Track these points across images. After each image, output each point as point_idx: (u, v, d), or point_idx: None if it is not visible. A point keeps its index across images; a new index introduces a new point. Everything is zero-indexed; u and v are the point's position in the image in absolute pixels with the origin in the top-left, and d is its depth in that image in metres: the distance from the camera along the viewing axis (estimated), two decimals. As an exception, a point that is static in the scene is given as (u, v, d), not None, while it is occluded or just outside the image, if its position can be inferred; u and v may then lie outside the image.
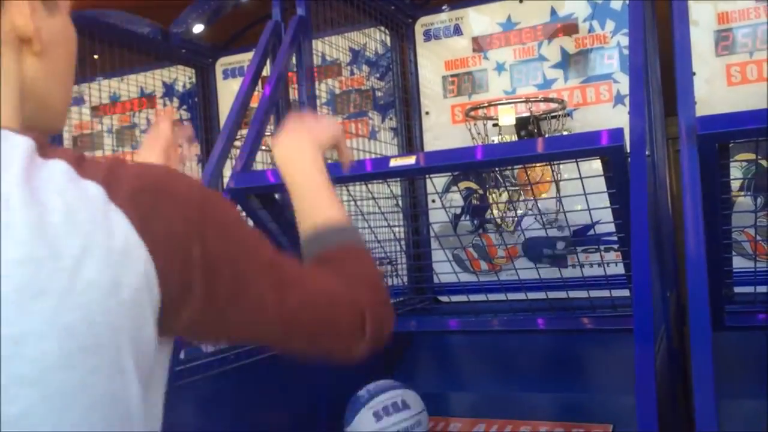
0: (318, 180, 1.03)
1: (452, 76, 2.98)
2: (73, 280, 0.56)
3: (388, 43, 3.07)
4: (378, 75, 3.13)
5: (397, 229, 2.70)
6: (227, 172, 2.14)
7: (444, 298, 2.86)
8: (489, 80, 2.91)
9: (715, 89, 2.50)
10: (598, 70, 2.73)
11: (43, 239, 0.56)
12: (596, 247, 2.47)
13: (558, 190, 2.25)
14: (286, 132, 1.11)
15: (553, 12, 2.80)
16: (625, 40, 2.63)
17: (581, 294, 2.28)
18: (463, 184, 2.90)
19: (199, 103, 3.48)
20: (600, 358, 2.34)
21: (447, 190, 2.89)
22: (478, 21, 2.94)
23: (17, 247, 0.55)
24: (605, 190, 1.82)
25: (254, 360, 2.01)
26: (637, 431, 1.30)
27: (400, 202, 2.84)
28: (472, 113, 2.70)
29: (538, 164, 2.46)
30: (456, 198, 2.88)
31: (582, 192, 1.83)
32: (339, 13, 2.64)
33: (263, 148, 2.50)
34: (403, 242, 2.83)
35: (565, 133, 2.61)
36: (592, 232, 2.39)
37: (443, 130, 2.99)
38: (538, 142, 1.83)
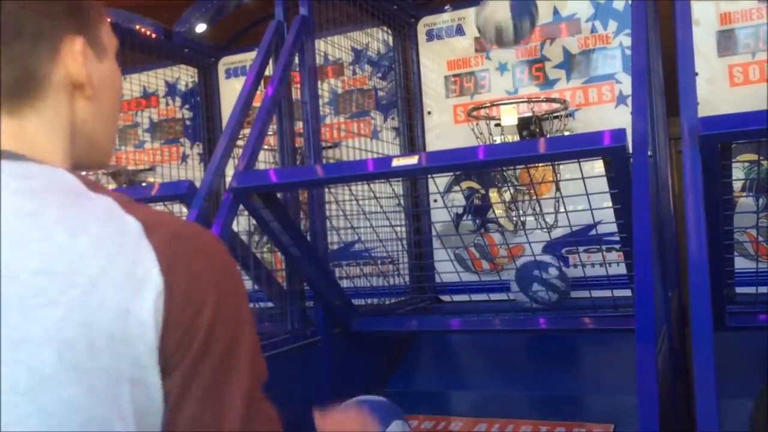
0: None
1: (454, 75, 2.99)
2: (85, 297, 0.57)
3: (391, 43, 3.07)
4: (380, 75, 3.13)
5: (399, 228, 2.71)
6: (230, 172, 2.15)
7: (446, 298, 2.86)
8: (491, 80, 2.92)
9: (717, 90, 2.51)
10: (600, 71, 2.74)
11: (65, 256, 0.58)
12: (598, 247, 2.47)
13: (558, 189, 2.25)
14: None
15: (556, 12, 2.80)
16: (627, 41, 2.63)
17: (583, 294, 2.28)
18: (465, 184, 2.91)
19: (201, 102, 3.49)
20: (601, 358, 2.34)
21: (449, 189, 2.89)
22: (480, 21, 2.94)
23: (37, 257, 0.58)
24: (607, 190, 1.82)
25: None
26: (639, 431, 1.30)
27: (402, 202, 2.85)
28: (474, 113, 2.70)
29: (540, 164, 2.47)
30: (458, 198, 2.89)
31: (584, 192, 1.83)
32: (341, 13, 2.65)
33: (265, 147, 2.51)
34: (405, 242, 2.84)
35: (567, 133, 2.61)
36: (594, 232, 2.39)
37: (445, 129, 3.00)
38: (540, 143, 1.84)
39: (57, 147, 0.70)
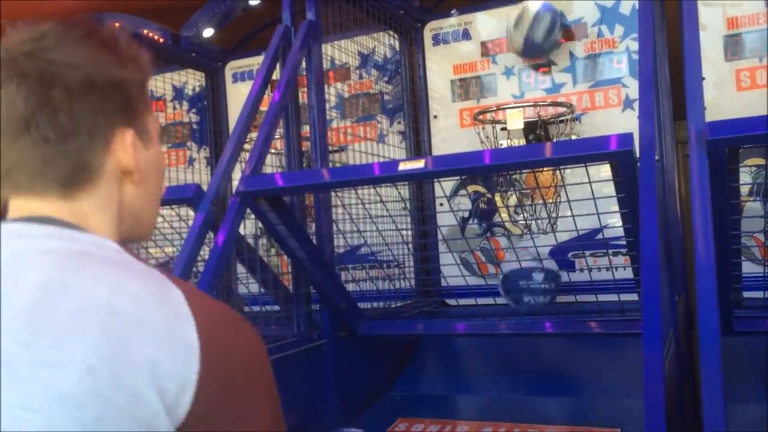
0: None
1: (460, 80, 2.99)
2: (120, 340, 0.60)
3: (397, 47, 3.08)
4: (386, 79, 3.14)
5: (405, 232, 2.71)
6: (236, 175, 2.15)
7: (452, 301, 2.86)
8: (497, 84, 2.92)
9: (724, 94, 2.50)
10: (606, 75, 2.74)
11: (107, 300, 0.62)
12: (605, 251, 2.47)
13: (565, 193, 2.25)
14: None
15: (562, 16, 2.80)
16: (634, 45, 2.63)
17: (589, 298, 2.28)
18: (471, 188, 2.91)
19: (208, 106, 3.50)
20: (608, 362, 2.34)
21: (455, 193, 2.89)
22: (486, 25, 2.95)
23: (80, 298, 0.62)
24: (614, 194, 1.82)
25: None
26: (645, 435, 1.30)
27: (408, 205, 2.85)
28: (481, 117, 2.71)
29: (546, 168, 2.46)
30: (464, 201, 2.89)
31: (591, 197, 1.83)
32: (348, 18, 2.65)
33: (272, 151, 2.51)
34: (411, 245, 2.84)
35: (573, 137, 2.61)
36: (600, 236, 2.39)
37: (451, 133, 3.00)
38: (547, 147, 1.84)
39: (107, 224, 0.75)
